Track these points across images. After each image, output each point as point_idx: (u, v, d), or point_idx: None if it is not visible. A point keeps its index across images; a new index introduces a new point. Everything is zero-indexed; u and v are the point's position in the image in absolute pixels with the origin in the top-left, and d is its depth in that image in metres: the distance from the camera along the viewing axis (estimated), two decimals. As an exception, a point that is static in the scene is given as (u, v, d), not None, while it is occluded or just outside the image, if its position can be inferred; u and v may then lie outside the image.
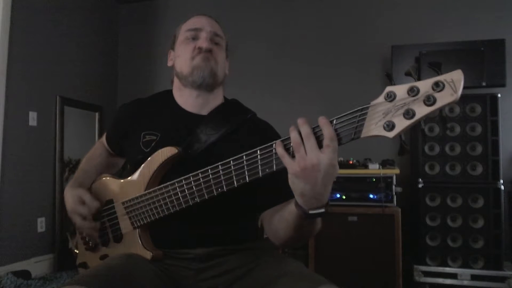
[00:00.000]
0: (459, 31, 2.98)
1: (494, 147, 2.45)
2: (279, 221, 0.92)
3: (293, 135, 0.75)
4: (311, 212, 0.78)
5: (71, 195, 1.11)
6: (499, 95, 2.47)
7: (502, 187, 2.44)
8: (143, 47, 3.81)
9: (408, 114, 0.67)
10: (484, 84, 2.56)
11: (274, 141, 0.80)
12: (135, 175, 1.06)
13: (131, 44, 3.89)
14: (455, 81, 0.64)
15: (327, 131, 0.73)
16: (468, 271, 2.42)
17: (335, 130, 0.74)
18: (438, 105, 0.65)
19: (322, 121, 0.74)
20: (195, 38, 1.09)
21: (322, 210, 0.78)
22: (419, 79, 0.69)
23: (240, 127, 1.10)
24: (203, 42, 1.07)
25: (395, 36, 3.05)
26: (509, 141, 2.80)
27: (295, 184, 0.76)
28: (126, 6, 3.90)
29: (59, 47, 3.16)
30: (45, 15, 3.03)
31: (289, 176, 0.76)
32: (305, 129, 0.74)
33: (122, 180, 1.11)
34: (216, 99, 1.15)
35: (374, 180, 2.47)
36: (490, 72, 2.56)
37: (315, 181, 0.74)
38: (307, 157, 0.73)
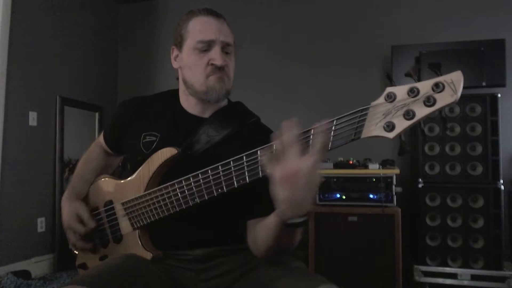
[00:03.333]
0: (459, 31, 2.97)
1: (494, 147, 2.45)
2: (261, 229, 0.91)
3: (278, 141, 0.73)
4: (290, 221, 0.77)
5: (69, 210, 1.12)
6: (499, 95, 2.47)
7: (502, 187, 2.43)
8: (143, 47, 3.81)
9: (408, 114, 0.67)
10: (484, 84, 2.56)
11: (271, 143, 0.78)
12: (135, 176, 1.06)
13: (131, 44, 3.89)
14: (455, 82, 0.65)
15: (317, 142, 0.70)
16: (468, 271, 2.42)
17: (335, 130, 0.74)
18: (438, 105, 0.66)
19: (317, 130, 0.72)
20: (206, 50, 1.03)
21: (302, 219, 0.76)
22: (419, 80, 0.69)
23: (243, 130, 1.09)
24: (217, 59, 1.02)
25: (395, 36, 3.05)
26: (509, 141, 2.79)
27: (275, 190, 0.74)
28: (126, 6, 3.90)
29: (59, 47, 3.15)
30: (45, 15, 3.03)
31: (271, 182, 0.74)
32: (288, 137, 0.72)
33: (121, 181, 1.10)
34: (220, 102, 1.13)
35: (374, 180, 2.47)
36: (490, 72, 2.56)
37: (295, 188, 0.71)
38: (287, 164, 0.71)
